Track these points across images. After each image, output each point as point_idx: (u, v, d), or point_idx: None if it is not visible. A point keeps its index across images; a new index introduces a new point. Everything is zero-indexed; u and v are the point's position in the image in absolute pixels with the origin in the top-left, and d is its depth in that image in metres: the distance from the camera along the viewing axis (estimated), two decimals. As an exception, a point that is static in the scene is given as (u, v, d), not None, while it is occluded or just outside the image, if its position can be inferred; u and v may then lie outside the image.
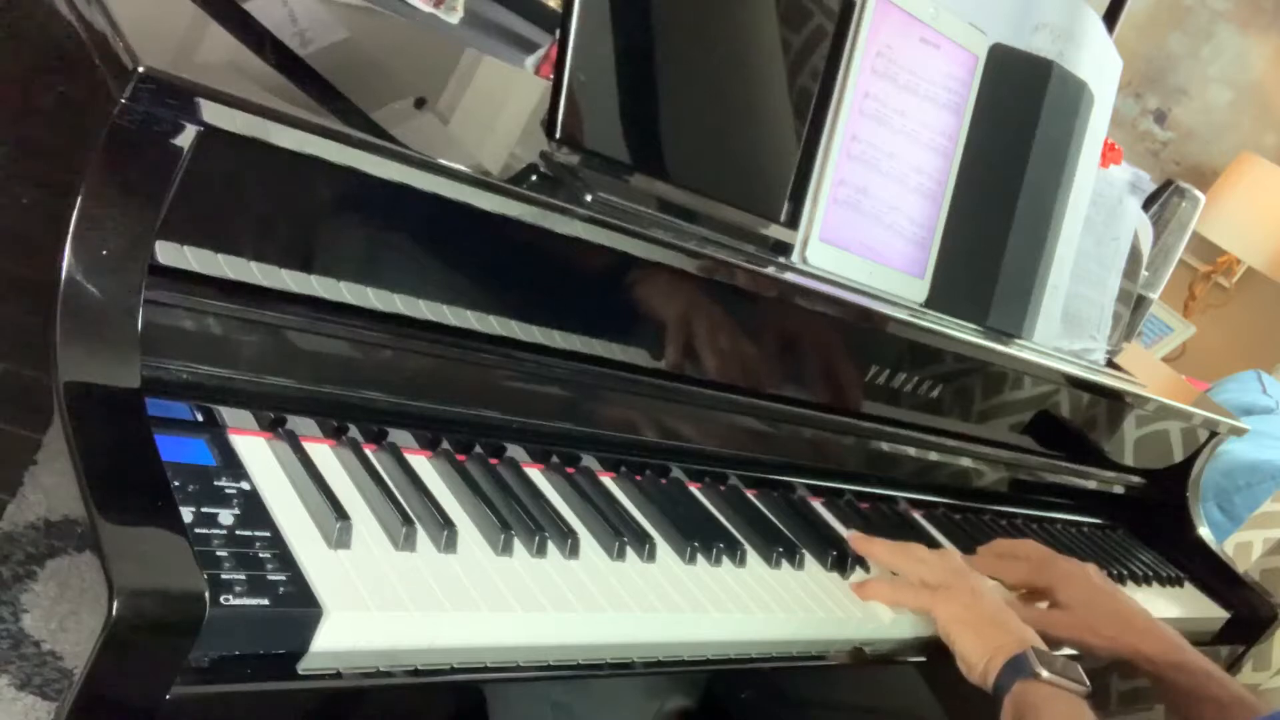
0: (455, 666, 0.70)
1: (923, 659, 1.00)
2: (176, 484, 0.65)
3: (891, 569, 1.01)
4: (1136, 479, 1.54)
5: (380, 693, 0.67)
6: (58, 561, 0.59)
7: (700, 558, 0.89)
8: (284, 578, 0.63)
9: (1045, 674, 0.89)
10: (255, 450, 0.73)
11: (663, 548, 0.88)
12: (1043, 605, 1.10)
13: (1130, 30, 3.44)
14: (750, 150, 1.00)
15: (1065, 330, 1.28)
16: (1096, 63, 1.22)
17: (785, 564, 0.95)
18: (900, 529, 1.15)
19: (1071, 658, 0.94)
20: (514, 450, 0.89)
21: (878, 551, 1.02)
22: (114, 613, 0.53)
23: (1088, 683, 0.91)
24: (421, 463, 0.82)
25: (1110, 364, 1.39)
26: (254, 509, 0.67)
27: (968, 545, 1.18)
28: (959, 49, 1.11)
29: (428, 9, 1.59)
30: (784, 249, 1.01)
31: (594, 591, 0.78)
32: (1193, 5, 3.56)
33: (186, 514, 0.62)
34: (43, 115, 0.72)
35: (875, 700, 1.12)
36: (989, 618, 0.96)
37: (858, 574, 1.00)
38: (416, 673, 0.68)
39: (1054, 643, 1.06)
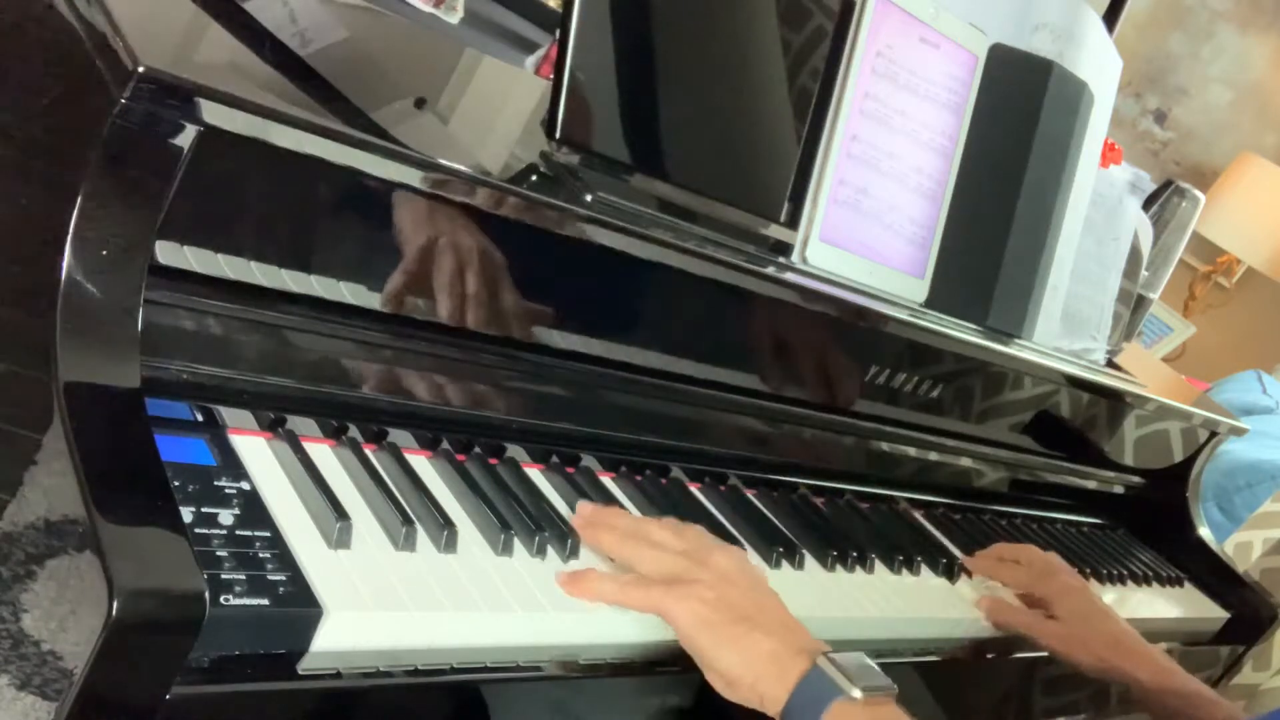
0: (455, 666, 0.70)
1: (924, 659, 1.00)
2: (176, 484, 0.65)
3: (621, 561, 0.80)
4: (1136, 479, 1.54)
5: (380, 693, 0.67)
6: (58, 561, 0.59)
7: (700, 558, 0.89)
8: (284, 578, 0.63)
9: (858, 692, 0.71)
10: (255, 450, 0.73)
11: (663, 548, 0.88)
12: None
13: (1130, 30, 3.44)
14: (750, 150, 1.01)
15: (1065, 330, 1.28)
16: (1096, 63, 1.22)
17: (785, 564, 0.95)
18: (900, 528, 1.15)
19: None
20: (514, 450, 0.89)
21: (603, 540, 0.81)
22: (114, 613, 0.53)
23: (890, 681, 0.75)
24: (421, 463, 0.82)
25: (1110, 364, 1.39)
26: (254, 509, 0.67)
27: (968, 545, 1.19)
28: (959, 49, 1.11)
29: (428, 9, 1.59)
30: (784, 249, 1.01)
31: (594, 591, 0.78)
32: (1193, 5, 3.56)
33: (186, 514, 0.62)
34: (43, 115, 0.72)
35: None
36: (742, 616, 0.75)
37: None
38: (416, 673, 0.68)
39: (1045, 650, 1.06)
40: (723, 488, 1.02)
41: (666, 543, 0.79)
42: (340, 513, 0.69)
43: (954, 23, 1.10)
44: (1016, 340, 1.20)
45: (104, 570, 0.54)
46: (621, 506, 0.90)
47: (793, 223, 1.01)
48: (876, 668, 0.75)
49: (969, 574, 1.12)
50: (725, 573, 0.77)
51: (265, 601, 0.61)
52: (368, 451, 0.79)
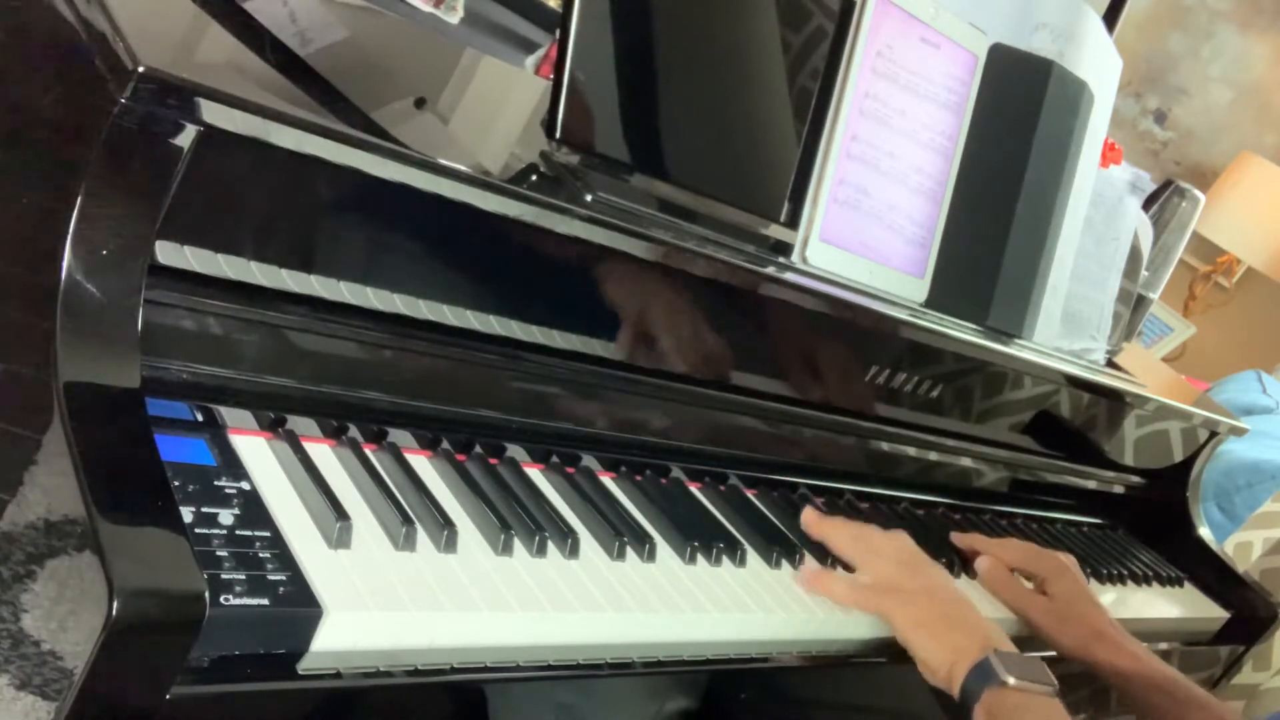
0: (455, 666, 0.70)
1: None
2: (176, 484, 0.65)
3: (847, 560, 0.98)
4: (1136, 479, 1.54)
5: (380, 693, 0.67)
6: (58, 561, 0.59)
7: (700, 558, 0.89)
8: (284, 578, 0.63)
9: (1012, 681, 0.86)
10: (255, 450, 0.73)
11: (663, 548, 0.88)
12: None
13: (1130, 30, 3.44)
14: (750, 150, 1.00)
15: (1065, 330, 1.28)
16: (1096, 63, 1.22)
17: (785, 564, 0.95)
18: (899, 527, 1.15)
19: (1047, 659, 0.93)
20: (514, 450, 0.89)
21: (831, 537, 0.99)
22: (114, 613, 0.53)
23: (1055, 681, 0.89)
24: (421, 463, 0.82)
25: (1110, 364, 1.39)
26: (254, 509, 0.67)
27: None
28: (959, 49, 1.11)
29: (428, 9, 1.59)
30: (784, 249, 1.01)
31: (594, 591, 0.78)
32: (1193, 5, 3.56)
33: (186, 514, 0.62)
34: (43, 115, 0.72)
35: (875, 700, 1.12)
36: (946, 618, 0.93)
37: (829, 571, 1.00)
38: (416, 673, 0.68)
39: (1027, 626, 1.08)
40: (723, 488, 1.02)
41: (884, 551, 0.97)
42: (340, 513, 0.69)
43: (954, 23, 1.10)
44: (1016, 340, 1.20)
45: (104, 570, 0.54)
46: (621, 506, 0.90)
47: (793, 223, 1.01)
48: (1043, 666, 0.89)
49: (970, 574, 1.12)
50: (934, 584, 0.96)
51: (265, 601, 0.61)
52: (368, 451, 0.79)
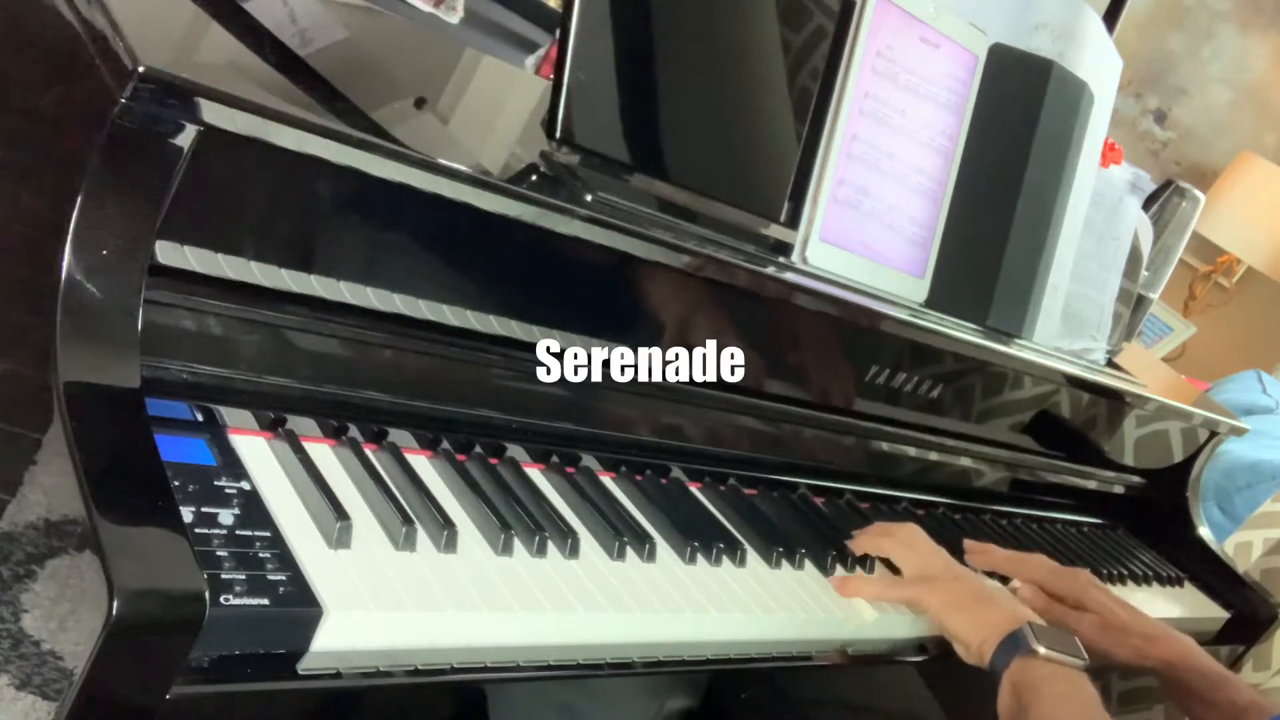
0: (455, 666, 0.70)
1: (922, 659, 1.00)
2: (176, 484, 0.65)
3: (882, 556, 1.02)
4: (1136, 479, 1.54)
5: (380, 693, 0.67)
6: (58, 561, 0.59)
7: (700, 558, 0.89)
8: (284, 577, 0.63)
9: (1043, 650, 0.88)
10: (255, 450, 0.73)
11: (663, 548, 0.88)
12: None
13: (1130, 30, 3.44)
14: (750, 150, 1.01)
15: (1065, 330, 1.28)
16: (1096, 63, 1.22)
17: (785, 564, 0.95)
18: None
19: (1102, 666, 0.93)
20: (514, 450, 0.89)
21: (864, 547, 1.02)
22: (114, 613, 0.53)
23: (1085, 655, 0.90)
24: (421, 463, 0.82)
25: (1110, 364, 1.39)
26: (254, 509, 0.67)
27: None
28: (959, 49, 1.11)
29: (428, 9, 1.59)
30: (784, 249, 1.01)
31: (594, 591, 0.78)
32: (1193, 5, 3.56)
33: (186, 514, 0.63)
34: (43, 115, 0.72)
35: (875, 700, 1.12)
36: (979, 598, 0.96)
37: (858, 574, 1.00)
38: (416, 673, 0.68)
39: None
40: (723, 488, 1.02)
41: (918, 546, 1.01)
42: (340, 513, 0.69)
43: (954, 23, 1.10)
44: (1016, 340, 1.20)
45: (104, 570, 0.54)
46: (621, 506, 0.90)
47: (793, 223, 1.01)
48: (1074, 641, 0.91)
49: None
50: (961, 573, 1.00)
51: (265, 601, 0.61)
52: (368, 451, 0.79)
